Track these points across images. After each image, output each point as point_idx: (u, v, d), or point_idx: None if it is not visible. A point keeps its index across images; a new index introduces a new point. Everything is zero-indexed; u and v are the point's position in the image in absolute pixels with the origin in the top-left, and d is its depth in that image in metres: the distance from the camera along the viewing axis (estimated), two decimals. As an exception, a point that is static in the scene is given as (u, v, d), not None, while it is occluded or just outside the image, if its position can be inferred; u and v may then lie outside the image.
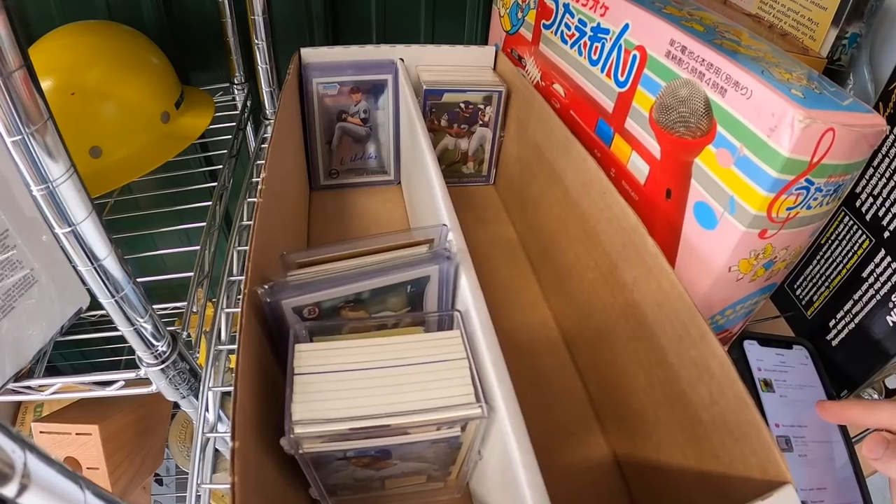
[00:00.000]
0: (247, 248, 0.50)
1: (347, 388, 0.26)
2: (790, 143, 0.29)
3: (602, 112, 0.42)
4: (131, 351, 0.73)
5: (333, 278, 0.29)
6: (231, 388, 0.42)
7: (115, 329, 0.46)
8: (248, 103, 0.67)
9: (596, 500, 0.38)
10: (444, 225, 0.32)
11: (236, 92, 0.67)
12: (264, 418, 0.28)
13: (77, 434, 0.64)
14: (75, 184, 0.31)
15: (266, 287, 0.28)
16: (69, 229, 0.33)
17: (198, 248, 0.52)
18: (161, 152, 0.58)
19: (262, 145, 0.61)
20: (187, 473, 0.88)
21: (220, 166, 0.59)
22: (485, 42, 0.72)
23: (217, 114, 0.62)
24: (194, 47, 0.68)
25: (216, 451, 0.42)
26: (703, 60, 0.33)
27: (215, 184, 0.57)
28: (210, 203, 0.54)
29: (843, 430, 0.44)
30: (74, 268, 0.46)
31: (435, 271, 0.30)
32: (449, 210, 0.34)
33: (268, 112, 0.61)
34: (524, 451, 0.24)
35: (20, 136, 0.27)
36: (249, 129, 0.69)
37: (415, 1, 0.68)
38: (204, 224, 0.53)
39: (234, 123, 0.63)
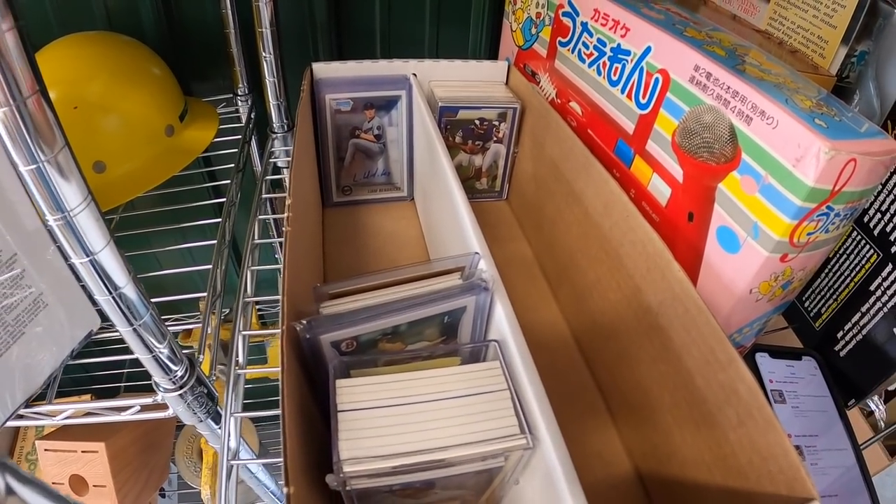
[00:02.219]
0: (260, 267, 0.50)
1: (393, 424, 0.27)
2: (815, 174, 0.30)
3: (622, 133, 0.43)
4: (133, 364, 0.72)
5: (372, 311, 0.29)
6: (252, 414, 0.43)
7: (120, 353, 0.46)
8: (253, 115, 0.66)
9: (619, 515, 0.39)
10: (476, 253, 0.33)
11: (239, 103, 0.67)
12: (307, 454, 0.28)
13: (83, 452, 0.63)
14: (93, 212, 0.30)
15: (304, 323, 0.28)
16: (87, 259, 0.31)
17: (209, 266, 0.51)
18: (166, 166, 0.57)
19: (271, 159, 0.60)
20: (190, 486, 0.87)
21: (224, 181, 0.58)
22: (490, 52, 0.72)
23: (220, 126, 0.62)
24: (195, 57, 0.68)
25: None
26: (729, 88, 0.34)
27: (219, 200, 0.56)
28: (215, 219, 0.54)
29: (851, 437, 0.46)
30: (89, 295, 0.45)
31: (472, 302, 0.31)
32: (479, 237, 0.34)
33: (275, 125, 0.61)
34: (571, 482, 0.25)
35: (35, 165, 0.26)
36: (254, 141, 0.68)
37: (419, 10, 0.68)
38: (208, 241, 0.52)
39: (237, 136, 0.62)
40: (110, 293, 0.34)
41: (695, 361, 0.34)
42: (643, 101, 0.40)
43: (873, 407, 0.58)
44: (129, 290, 0.35)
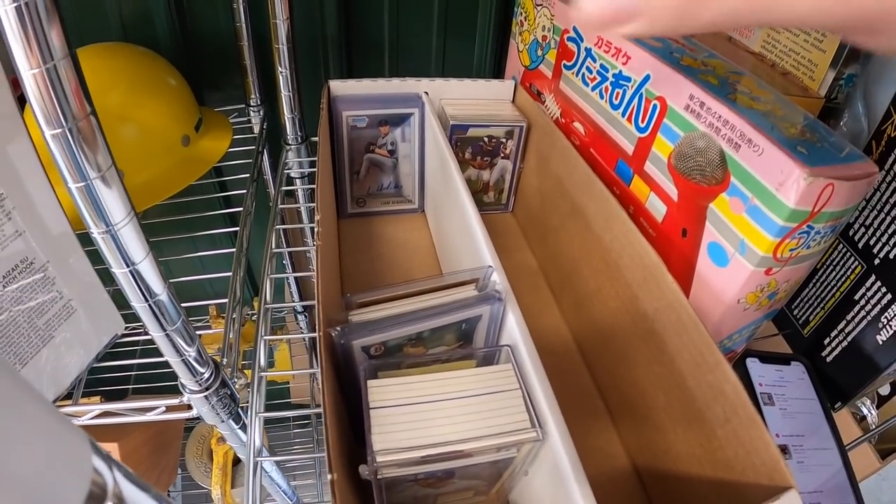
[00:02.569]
0: (278, 275, 0.55)
1: (419, 419, 0.31)
2: (795, 197, 0.35)
3: (622, 153, 0.48)
4: (140, 367, 0.78)
5: (399, 319, 0.34)
6: (276, 414, 0.47)
7: (128, 357, 0.50)
8: (265, 126, 0.71)
9: (618, 507, 0.44)
10: (490, 266, 0.38)
11: (251, 114, 0.71)
12: (340, 448, 0.33)
13: (96, 453, 0.67)
14: (135, 226, 0.34)
15: (339, 329, 0.33)
16: (127, 270, 0.35)
17: (222, 274, 0.56)
18: (183, 176, 0.61)
19: (286, 170, 0.65)
20: (195, 487, 0.91)
21: (235, 191, 0.63)
22: (495, 66, 0.77)
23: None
24: (208, 68, 0.72)
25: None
26: (720, 117, 0.39)
27: (230, 210, 0.60)
28: (226, 228, 0.58)
29: (837, 437, 0.51)
30: (114, 298, 0.49)
31: (486, 311, 0.35)
32: (491, 251, 0.39)
33: (289, 138, 0.65)
34: (577, 472, 0.30)
35: (84, 183, 0.29)
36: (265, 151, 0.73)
37: (427, 24, 0.73)
38: (220, 250, 0.56)
39: (248, 147, 0.67)
40: (147, 301, 0.38)
41: (686, 364, 0.39)
42: (642, 125, 0.45)
43: (866, 412, 0.64)
44: (165, 297, 0.39)
